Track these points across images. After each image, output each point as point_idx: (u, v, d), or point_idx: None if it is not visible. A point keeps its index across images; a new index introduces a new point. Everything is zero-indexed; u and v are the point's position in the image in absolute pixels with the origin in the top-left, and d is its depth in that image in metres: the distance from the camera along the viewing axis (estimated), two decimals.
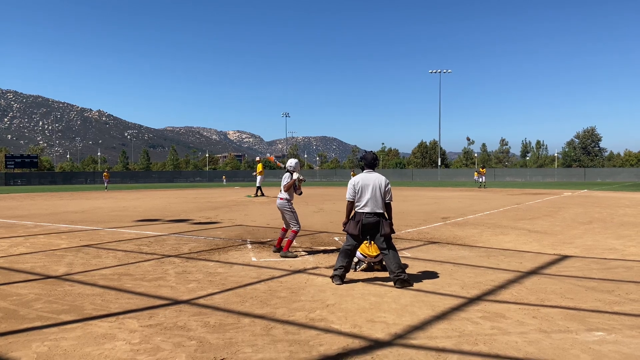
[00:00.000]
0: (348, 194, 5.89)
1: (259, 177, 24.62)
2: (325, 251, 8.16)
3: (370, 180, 5.81)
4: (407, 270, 6.47)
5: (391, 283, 5.78)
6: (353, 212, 5.91)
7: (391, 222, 5.88)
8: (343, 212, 15.54)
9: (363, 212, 5.75)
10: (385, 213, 5.85)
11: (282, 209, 7.74)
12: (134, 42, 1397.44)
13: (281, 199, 7.74)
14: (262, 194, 24.67)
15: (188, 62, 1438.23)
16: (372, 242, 6.07)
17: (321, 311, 4.71)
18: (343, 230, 5.92)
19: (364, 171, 5.96)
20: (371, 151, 6.12)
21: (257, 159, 28.03)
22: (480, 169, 36.10)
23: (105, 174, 42.46)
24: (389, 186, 5.86)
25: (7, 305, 4.91)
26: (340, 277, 5.82)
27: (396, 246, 8.53)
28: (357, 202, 5.82)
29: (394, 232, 5.80)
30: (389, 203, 5.86)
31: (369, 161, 5.97)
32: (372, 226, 5.75)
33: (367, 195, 5.74)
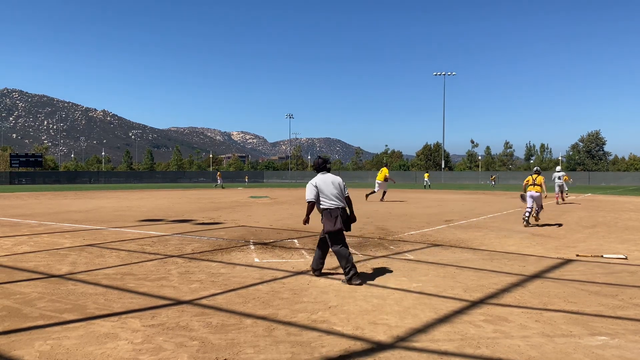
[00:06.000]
0: (309, 195, 6.26)
1: (380, 182, 22.81)
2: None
3: (328, 179, 6.32)
4: (410, 274, 6.52)
5: (393, 285, 5.79)
6: (318, 210, 6.36)
7: (353, 215, 6.38)
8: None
9: (336, 207, 6.17)
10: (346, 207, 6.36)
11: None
12: (139, 42, 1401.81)
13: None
14: (372, 193, 23.15)
15: (193, 63, 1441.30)
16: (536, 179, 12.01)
17: (323, 313, 4.71)
18: (304, 224, 6.43)
19: (319, 174, 6.43)
20: (319, 156, 6.69)
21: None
22: (491, 177, 40.24)
23: (219, 173, 49.77)
24: (344, 183, 6.47)
25: (10, 304, 4.93)
26: (357, 275, 5.92)
27: (399, 248, 8.57)
28: (322, 200, 6.21)
29: (349, 230, 6.29)
30: (348, 196, 6.39)
31: (318, 165, 6.49)
32: (346, 218, 6.22)
33: (330, 192, 6.21)
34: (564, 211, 17.20)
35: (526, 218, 12.37)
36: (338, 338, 4.00)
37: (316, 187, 6.21)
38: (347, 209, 6.31)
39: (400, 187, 44.92)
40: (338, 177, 6.38)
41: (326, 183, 6.24)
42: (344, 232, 6.19)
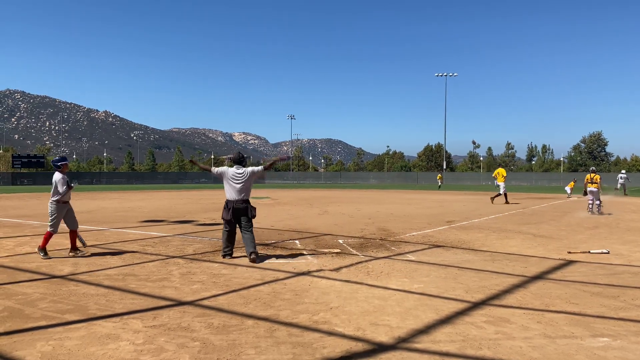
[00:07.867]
0: (214, 169, 7.57)
1: (502, 183, 22.02)
2: (329, 254, 8.15)
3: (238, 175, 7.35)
4: (411, 274, 6.54)
5: (394, 286, 5.80)
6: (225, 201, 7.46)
7: (268, 166, 7.69)
8: (347, 214, 15.54)
9: (234, 200, 7.28)
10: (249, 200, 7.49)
11: None
12: (141, 43, 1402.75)
13: None
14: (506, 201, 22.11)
15: (194, 63, 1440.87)
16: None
17: (325, 314, 4.71)
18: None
19: (235, 166, 7.41)
20: (239, 152, 7.66)
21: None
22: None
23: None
24: (251, 170, 7.43)
25: (12, 304, 4.94)
26: (230, 255, 7.45)
27: (401, 249, 8.57)
28: (226, 190, 7.34)
29: (254, 217, 7.46)
30: (260, 170, 7.48)
31: (236, 159, 7.51)
32: (242, 211, 7.30)
33: (233, 186, 7.27)
34: (565, 212, 17.19)
35: (590, 207, 16.32)
36: (339, 339, 4.00)
37: (222, 174, 7.39)
38: (245, 202, 7.35)
39: (402, 187, 44.89)
40: (248, 169, 7.42)
41: (234, 178, 7.30)
42: (251, 220, 7.46)
